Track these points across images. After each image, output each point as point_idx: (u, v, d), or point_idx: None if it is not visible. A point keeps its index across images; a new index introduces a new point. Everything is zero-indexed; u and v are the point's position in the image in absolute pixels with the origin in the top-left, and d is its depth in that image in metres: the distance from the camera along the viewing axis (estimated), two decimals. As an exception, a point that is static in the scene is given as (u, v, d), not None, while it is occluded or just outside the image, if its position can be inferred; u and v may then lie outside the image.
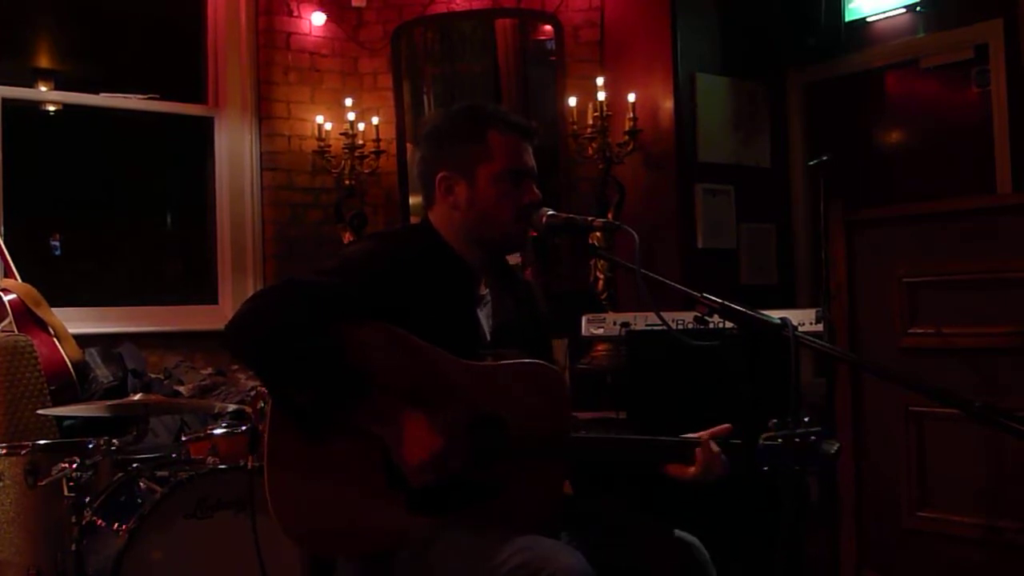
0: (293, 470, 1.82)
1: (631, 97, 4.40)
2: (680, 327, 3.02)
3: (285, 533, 1.82)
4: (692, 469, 1.87)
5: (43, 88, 4.68)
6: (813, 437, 1.67)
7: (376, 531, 1.84)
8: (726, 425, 1.92)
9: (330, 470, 1.82)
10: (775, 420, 1.75)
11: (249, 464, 2.68)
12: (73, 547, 2.64)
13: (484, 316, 2.03)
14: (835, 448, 1.67)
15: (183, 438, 3.17)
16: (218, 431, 3.03)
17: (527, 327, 2.09)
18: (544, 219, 1.95)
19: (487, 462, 1.85)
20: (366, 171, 4.89)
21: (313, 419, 1.81)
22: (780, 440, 1.71)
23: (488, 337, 2.01)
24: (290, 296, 1.80)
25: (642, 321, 3.55)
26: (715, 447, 1.87)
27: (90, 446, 2.75)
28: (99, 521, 2.68)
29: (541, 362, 1.94)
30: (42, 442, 2.82)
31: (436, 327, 1.86)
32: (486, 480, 1.86)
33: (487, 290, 2.06)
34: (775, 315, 1.74)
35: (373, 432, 1.80)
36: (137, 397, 3.01)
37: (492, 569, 1.72)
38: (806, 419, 1.69)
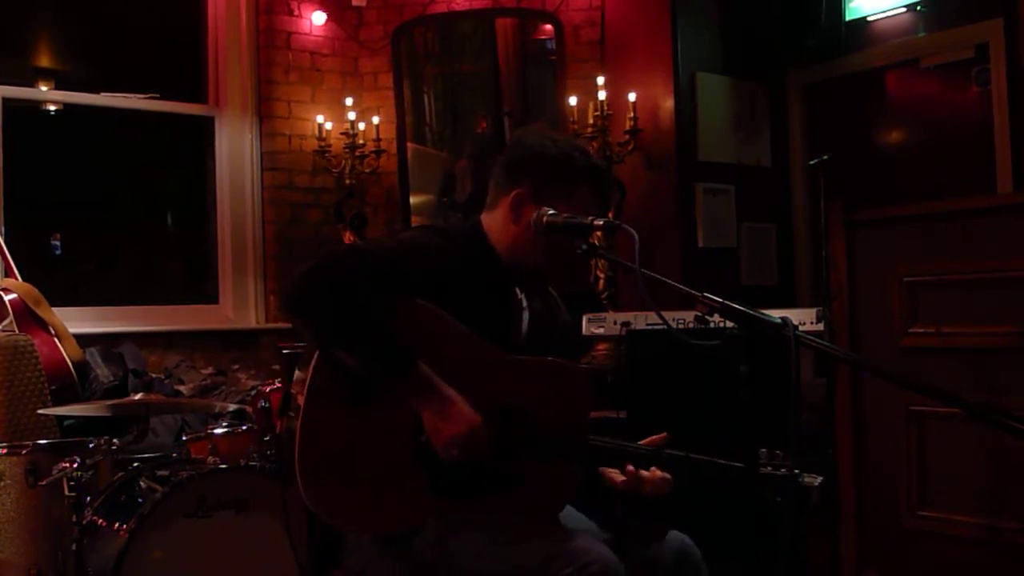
0: (323, 436, 1.84)
1: (631, 96, 4.40)
2: (680, 326, 3.02)
3: (307, 499, 1.83)
4: (621, 478, 1.91)
5: (43, 88, 4.68)
6: (796, 471, 1.75)
7: (394, 509, 1.86)
8: (662, 434, 1.95)
9: (359, 441, 1.85)
10: (763, 450, 1.82)
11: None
12: (74, 547, 2.63)
13: (520, 320, 2.08)
14: (817, 482, 1.77)
15: (184, 438, 3.18)
16: (219, 431, 3.04)
17: (553, 332, 2.15)
18: (544, 219, 1.96)
19: (510, 452, 1.88)
20: (366, 171, 4.90)
21: (357, 384, 1.83)
22: (769, 469, 1.80)
23: (522, 339, 2.06)
24: (354, 259, 1.86)
25: (642, 320, 3.54)
26: (655, 473, 1.90)
27: (90, 446, 2.75)
28: (100, 521, 2.69)
29: (569, 362, 1.99)
30: (42, 442, 2.82)
31: (474, 326, 1.90)
32: (505, 470, 1.88)
33: (522, 295, 2.11)
34: (775, 315, 1.75)
35: (410, 404, 1.82)
36: (138, 397, 3.01)
37: (520, 560, 1.74)
38: (794, 451, 1.74)
